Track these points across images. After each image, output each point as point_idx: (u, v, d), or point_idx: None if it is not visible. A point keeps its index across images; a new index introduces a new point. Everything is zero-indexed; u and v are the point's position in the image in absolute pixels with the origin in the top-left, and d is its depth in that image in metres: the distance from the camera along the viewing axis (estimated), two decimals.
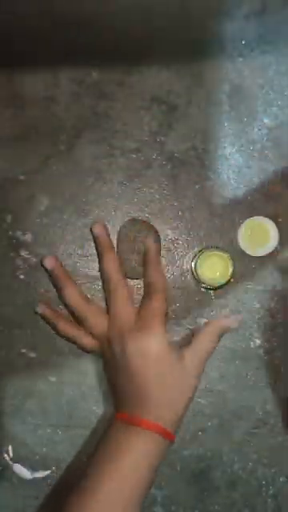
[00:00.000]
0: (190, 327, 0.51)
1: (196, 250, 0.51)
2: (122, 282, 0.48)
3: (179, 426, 0.45)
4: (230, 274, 0.49)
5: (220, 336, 0.47)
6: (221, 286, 0.50)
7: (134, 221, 0.51)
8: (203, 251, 0.50)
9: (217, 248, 0.50)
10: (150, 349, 0.43)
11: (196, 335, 0.46)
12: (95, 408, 0.51)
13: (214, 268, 0.50)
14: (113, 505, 0.39)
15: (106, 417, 0.50)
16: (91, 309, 0.48)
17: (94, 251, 0.51)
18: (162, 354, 0.43)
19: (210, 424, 0.50)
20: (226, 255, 0.50)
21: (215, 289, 0.50)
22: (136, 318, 0.46)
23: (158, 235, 0.51)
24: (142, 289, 0.51)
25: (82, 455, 0.50)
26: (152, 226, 0.50)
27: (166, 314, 0.47)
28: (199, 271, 0.50)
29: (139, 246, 0.50)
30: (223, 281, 0.50)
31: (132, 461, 0.41)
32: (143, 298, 0.49)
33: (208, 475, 0.50)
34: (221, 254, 0.50)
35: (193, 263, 0.50)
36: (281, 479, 0.50)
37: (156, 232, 0.50)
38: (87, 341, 0.48)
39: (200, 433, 0.50)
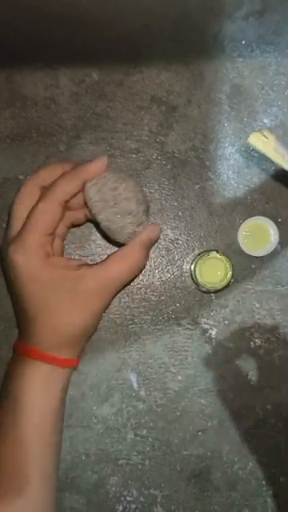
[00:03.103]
0: (191, 327, 0.51)
1: (196, 252, 0.51)
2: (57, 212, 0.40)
3: (78, 351, 0.41)
4: (228, 278, 0.49)
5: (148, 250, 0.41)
6: (220, 290, 0.50)
7: (104, 178, 0.42)
8: (202, 254, 0.50)
9: (216, 251, 0.50)
10: (17, 263, 0.37)
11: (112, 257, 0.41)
12: (95, 408, 0.51)
13: (213, 272, 0.49)
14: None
15: (106, 417, 0.50)
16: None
17: (94, 251, 0.51)
18: (35, 271, 0.37)
19: (209, 424, 0.50)
20: (225, 259, 0.49)
21: (214, 292, 0.50)
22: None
23: (142, 190, 0.45)
24: (142, 289, 0.51)
25: (82, 455, 0.50)
26: (129, 179, 0.44)
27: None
28: (198, 275, 0.49)
29: (121, 206, 0.42)
30: (222, 285, 0.49)
31: (28, 399, 0.39)
32: None
33: (208, 475, 0.50)
34: (220, 257, 0.49)
35: (192, 266, 0.50)
36: (281, 479, 0.50)
37: (135, 184, 0.44)
38: None
39: (200, 433, 0.50)
